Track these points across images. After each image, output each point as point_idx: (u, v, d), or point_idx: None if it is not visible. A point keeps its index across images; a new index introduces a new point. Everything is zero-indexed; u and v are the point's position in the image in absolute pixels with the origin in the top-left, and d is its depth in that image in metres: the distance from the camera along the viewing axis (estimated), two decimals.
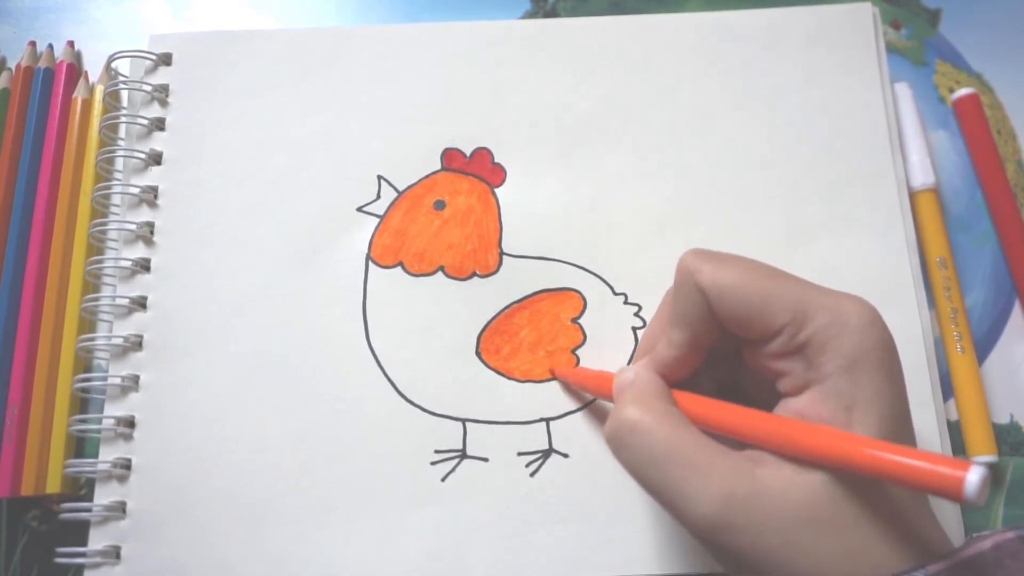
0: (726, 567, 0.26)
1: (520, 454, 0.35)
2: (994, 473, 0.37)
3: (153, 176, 0.39)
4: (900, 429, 0.24)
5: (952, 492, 0.19)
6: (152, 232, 0.39)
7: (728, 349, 0.29)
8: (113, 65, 0.42)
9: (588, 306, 0.37)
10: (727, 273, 0.26)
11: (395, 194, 0.39)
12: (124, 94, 0.42)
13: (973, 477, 0.19)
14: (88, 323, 0.39)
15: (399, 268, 0.38)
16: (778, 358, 0.26)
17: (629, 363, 0.36)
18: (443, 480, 0.35)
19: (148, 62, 0.41)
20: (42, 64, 0.42)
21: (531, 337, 0.36)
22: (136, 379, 0.36)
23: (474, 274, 0.37)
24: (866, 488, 0.23)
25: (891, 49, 0.44)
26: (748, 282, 0.26)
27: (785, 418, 0.25)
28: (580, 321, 0.37)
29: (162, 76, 0.41)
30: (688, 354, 0.28)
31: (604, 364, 0.36)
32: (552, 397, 0.36)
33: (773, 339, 0.25)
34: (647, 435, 0.25)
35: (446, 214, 0.38)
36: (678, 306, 0.27)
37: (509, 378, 0.36)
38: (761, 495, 0.23)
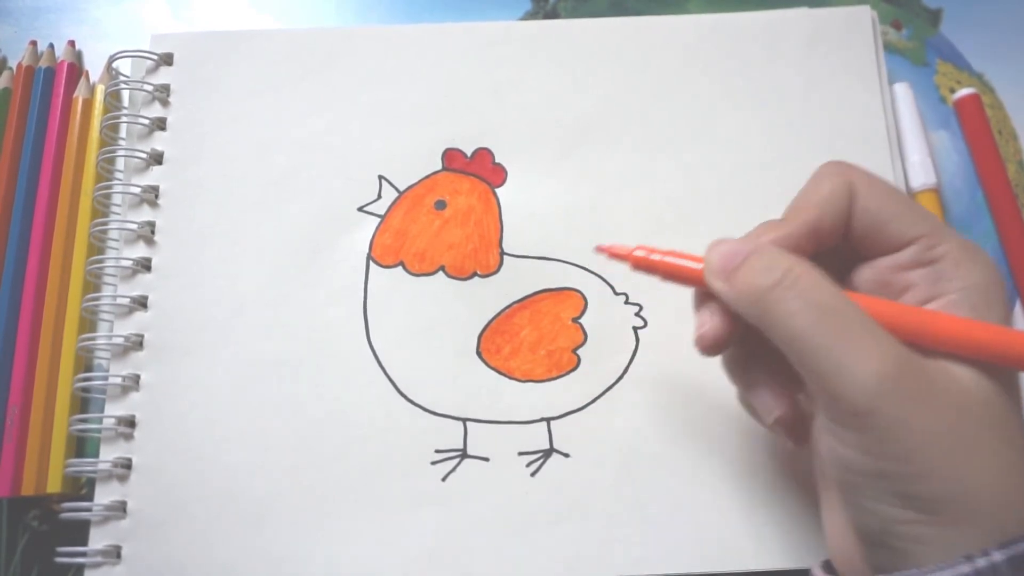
0: (866, 454, 0.23)
1: (521, 454, 0.35)
2: None
3: (154, 176, 0.39)
4: None
5: None
6: (153, 232, 0.39)
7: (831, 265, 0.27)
8: (114, 65, 0.42)
9: (589, 306, 0.37)
10: (876, 181, 0.27)
11: (396, 194, 0.39)
12: (125, 94, 0.42)
13: None
14: (89, 322, 0.39)
15: (400, 268, 0.38)
16: (908, 268, 0.26)
17: (630, 364, 0.36)
18: (444, 480, 0.35)
19: (149, 62, 0.41)
20: (43, 64, 0.42)
21: (532, 337, 0.36)
22: (136, 379, 0.36)
23: (475, 274, 0.37)
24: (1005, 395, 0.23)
25: (892, 49, 0.44)
26: (895, 194, 0.26)
27: (952, 316, 0.24)
28: (581, 321, 0.37)
29: (163, 76, 0.41)
30: (804, 240, 0.26)
31: (605, 364, 0.36)
32: (552, 397, 0.36)
33: (905, 248, 0.26)
34: (816, 285, 0.23)
35: (447, 214, 0.38)
36: (818, 190, 0.27)
37: (510, 378, 0.36)
38: (934, 376, 0.22)
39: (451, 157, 0.39)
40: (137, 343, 0.37)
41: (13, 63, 0.43)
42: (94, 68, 0.43)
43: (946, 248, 0.25)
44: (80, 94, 0.41)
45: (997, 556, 0.20)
